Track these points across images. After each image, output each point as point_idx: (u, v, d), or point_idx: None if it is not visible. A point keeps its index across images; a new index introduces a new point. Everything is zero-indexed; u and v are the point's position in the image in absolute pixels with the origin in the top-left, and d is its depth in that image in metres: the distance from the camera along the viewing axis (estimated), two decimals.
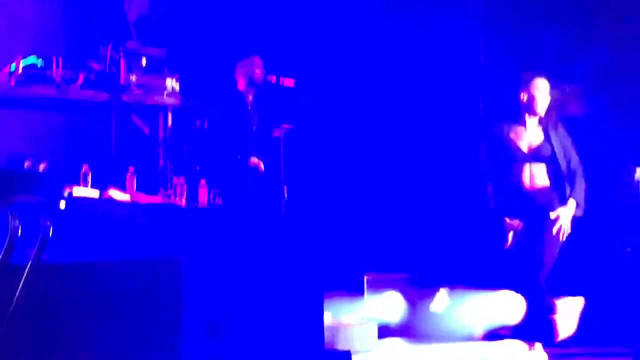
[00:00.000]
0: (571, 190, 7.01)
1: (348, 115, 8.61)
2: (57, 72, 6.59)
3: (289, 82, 6.83)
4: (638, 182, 7.31)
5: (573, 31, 8.47)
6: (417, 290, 7.89)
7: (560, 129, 7.11)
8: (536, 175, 7.08)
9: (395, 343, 7.52)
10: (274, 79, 6.83)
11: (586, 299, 7.32)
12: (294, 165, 8.02)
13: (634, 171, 7.32)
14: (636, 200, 7.31)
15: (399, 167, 8.65)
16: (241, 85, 7.08)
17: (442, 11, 8.82)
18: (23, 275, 3.51)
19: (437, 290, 7.86)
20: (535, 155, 7.06)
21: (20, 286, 3.49)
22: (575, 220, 7.16)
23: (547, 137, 7.06)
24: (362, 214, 8.41)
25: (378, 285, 7.72)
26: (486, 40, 8.83)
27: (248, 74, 7.05)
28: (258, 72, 7.00)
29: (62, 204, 3.78)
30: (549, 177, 7.09)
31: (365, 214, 8.42)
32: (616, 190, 7.78)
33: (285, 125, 6.81)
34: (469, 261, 7.98)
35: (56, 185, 3.75)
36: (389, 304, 7.77)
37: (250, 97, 7.10)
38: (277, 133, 6.87)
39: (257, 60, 7.07)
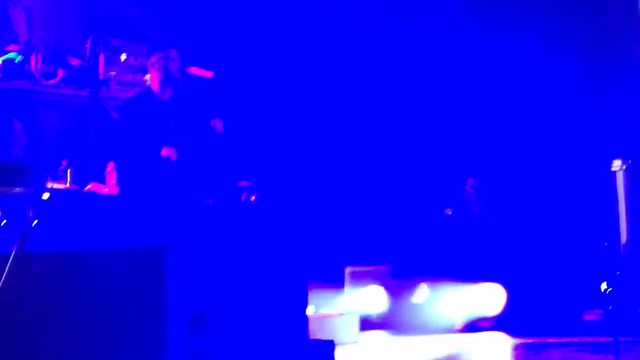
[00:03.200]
0: None
1: (334, 114, 8.63)
2: (36, 67, 6.55)
3: (207, 74, 6.59)
4: (614, 173, 7.38)
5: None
6: (398, 283, 7.91)
7: None
8: None
9: (377, 335, 7.54)
10: (194, 70, 6.57)
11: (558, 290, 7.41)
12: (280, 160, 8.04)
13: (611, 163, 7.40)
14: (613, 192, 7.39)
15: (379, 162, 8.68)
16: (154, 80, 6.65)
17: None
18: (6, 264, 3.50)
19: (418, 282, 7.89)
20: None
21: (4, 276, 3.48)
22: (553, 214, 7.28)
23: None
24: (344, 207, 8.43)
25: (359, 278, 7.73)
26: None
27: (162, 68, 6.64)
28: (173, 65, 6.61)
29: (46, 196, 3.76)
30: None
31: (347, 208, 8.43)
32: (594, 183, 7.85)
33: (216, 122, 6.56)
34: (450, 253, 8.02)
35: (39, 177, 3.73)
36: (371, 297, 7.79)
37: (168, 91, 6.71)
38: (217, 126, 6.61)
39: (173, 54, 6.70)
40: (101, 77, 6.91)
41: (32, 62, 6.56)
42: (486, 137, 8.78)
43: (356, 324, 7.17)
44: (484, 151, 8.80)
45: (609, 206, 7.53)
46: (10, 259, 3.50)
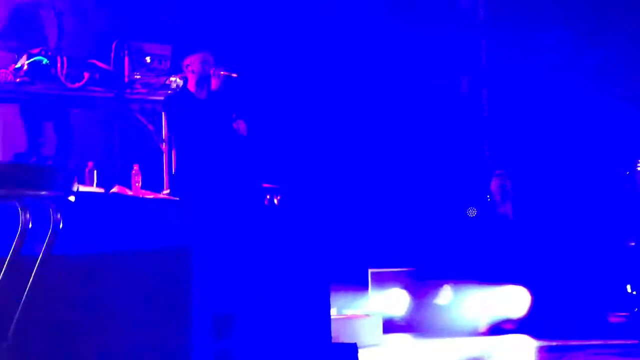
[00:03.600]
0: None
1: (355, 114, 8.64)
2: (61, 70, 6.61)
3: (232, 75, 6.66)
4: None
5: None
6: (422, 285, 7.91)
7: None
8: None
9: (400, 338, 7.54)
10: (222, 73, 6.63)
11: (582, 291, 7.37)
12: (301, 162, 8.05)
13: (637, 164, 7.35)
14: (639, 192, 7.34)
15: (404, 164, 8.68)
16: (190, 82, 6.73)
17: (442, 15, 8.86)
18: (34, 268, 3.53)
19: (442, 284, 7.88)
20: None
21: (31, 279, 3.51)
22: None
23: None
24: (367, 209, 8.44)
25: (382, 280, 7.74)
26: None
27: (198, 70, 6.71)
28: (208, 67, 6.68)
29: (72, 198, 3.80)
30: None
31: (370, 209, 8.44)
32: (620, 182, 7.80)
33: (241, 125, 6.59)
34: (473, 255, 8.00)
35: (65, 178, 3.76)
36: (394, 299, 7.79)
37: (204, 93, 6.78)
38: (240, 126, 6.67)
39: (208, 56, 6.75)
40: (126, 79, 6.96)
41: (58, 65, 6.63)
42: (511, 137, 8.76)
43: (379, 326, 7.17)
44: (509, 151, 8.78)
45: (635, 206, 7.49)
46: (38, 262, 3.54)
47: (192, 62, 6.61)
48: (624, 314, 7.47)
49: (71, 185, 3.76)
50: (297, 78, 8.44)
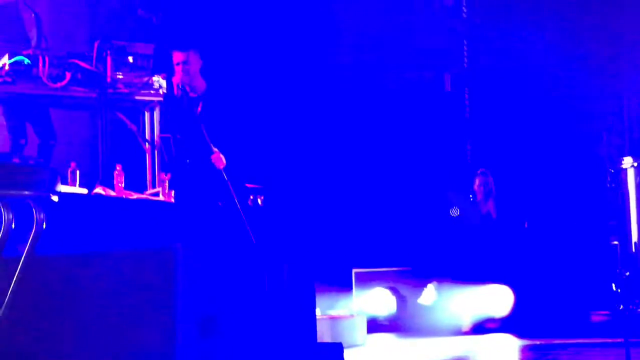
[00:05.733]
0: None
1: (339, 113, 8.64)
2: (43, 70, 6.58)
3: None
4: (625, 170, 7.36)
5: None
6: (405, 285, 7.92)
7: None
8: None
9: (384, 337, 7.54)
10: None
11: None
12: (285, 162, 8.04)
13: (620, 161, 7.39)
14: (623, 190, 7.36)
15: (387, 163, 8.69)
16: (177, 79, 6.72)
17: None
18: (17, 268, 3.51)
19: (425, 284, 7.89)
20: None
21: (14, 278, 3.49)
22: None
23: None
24: (350, 208, 8.44)
25: (366, 280, 7.74)
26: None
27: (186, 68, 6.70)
28: (196, 65, 6.69)
29: (55, 198, 3.77)
30: None
31: (353, 209, 8.45)
32: (601, 181, 7.84)
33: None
34: (457, 255, 8.02)
35: (48, 178, 3.73)
36: (378, 299, 7.80)
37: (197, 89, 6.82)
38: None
39: (195, 55, 6.74)
40: (109, 79, 6.92)
41: (40, 65, 6.60)
42: (493, 136, 8.79)
43: (364, 326, 7.17)
44: (491, 150, 8.81)
45: (619, 205, 7.52)
46: (21, 263, 3.51)
47: (186, 58, 6.55)
48: (607, 312, 7.50)
49: (54, 185, 3.74)
50: (280, 76, 8.43)
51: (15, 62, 6.49)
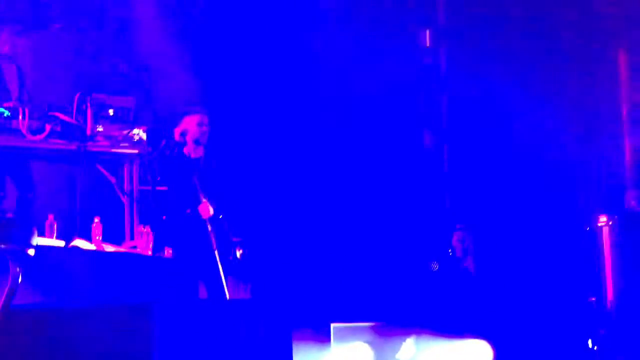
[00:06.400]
0: None
1: (320, 167, 8.67)
2: (23, 123, 6.59)
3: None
4: (600, 228, 7.44)
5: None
6: (384, 339, 7.89)
7: None
8: None
9: None
10: None
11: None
12: (262, 213, 8.04)
13: (597, 220, 7.46)
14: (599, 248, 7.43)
15: (366, 217, 8.71)
16: (189, 146, 6.94)
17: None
18: None
19: (404, 338, 7.87)
20: None
21: None
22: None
23: None
24: (328, 262, 8.44)
25: (345, 334, 7.70)
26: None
27: (195, 133, 6.95)
28: (204, 129, 6.94)
29: (32, 251, 3.77)
30: None
31: (331, 263, 8.45)
32: (578, 238, 7.91)
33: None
34: (436, 309, 8.03)
35: (25, 232, 3.72)
36: (356, 353, 7.76)
37: (200, 152, 7.02)
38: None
39: (203, 119, 6.98)
40: (89, 132, 6.95)
41: (20, 117, 6.61)
42: (471, 191, 8.84)
43: None
44: (470, 206, 8.86)
45: (594, 262, 7.57)
46: None
47: (188, 126, 6.84)
48: None
49: (30, 238, 3.73)
50: (261, 126, 8.45)
51: None
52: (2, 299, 3.53)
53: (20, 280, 3.58)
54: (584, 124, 8.57)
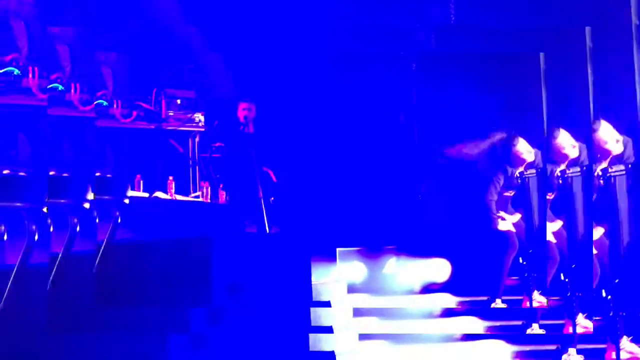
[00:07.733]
0: None
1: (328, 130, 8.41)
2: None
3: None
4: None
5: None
6: (374, 259, 7.97)
7: None
8: None
9: (360, 297, 7.53)
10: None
11: None
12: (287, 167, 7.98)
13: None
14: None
15: (357, 173, 8.54)
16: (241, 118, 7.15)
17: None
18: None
19: (388, 258, 7.96)
20: None
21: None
22: None
23: None
24: (335, 207, 8.42)
25: (346, 256, 7.79)
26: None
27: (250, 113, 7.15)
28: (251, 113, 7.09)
29: (127, 201, 3.75)
30: None
31: (337, 207, 8.42)
32: None
33: None
34: (411, 236, 8.07)
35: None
36: (354, 269, 7.85)
37: (251, 128, 7.16)
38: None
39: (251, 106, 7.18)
40: (163, 116, 7.01)
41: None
42: (433, 156, 8.58)
43: (344, 289, 7.21)
44: (434, 167, 8.60)
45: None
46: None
47: (247, 108, 7.09)
48: (516, 278, 7.46)
49: (125, 191, 3.66)
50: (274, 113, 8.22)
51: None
52: (107, 234, 3.54)
53: (119, 221, 3.59)
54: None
